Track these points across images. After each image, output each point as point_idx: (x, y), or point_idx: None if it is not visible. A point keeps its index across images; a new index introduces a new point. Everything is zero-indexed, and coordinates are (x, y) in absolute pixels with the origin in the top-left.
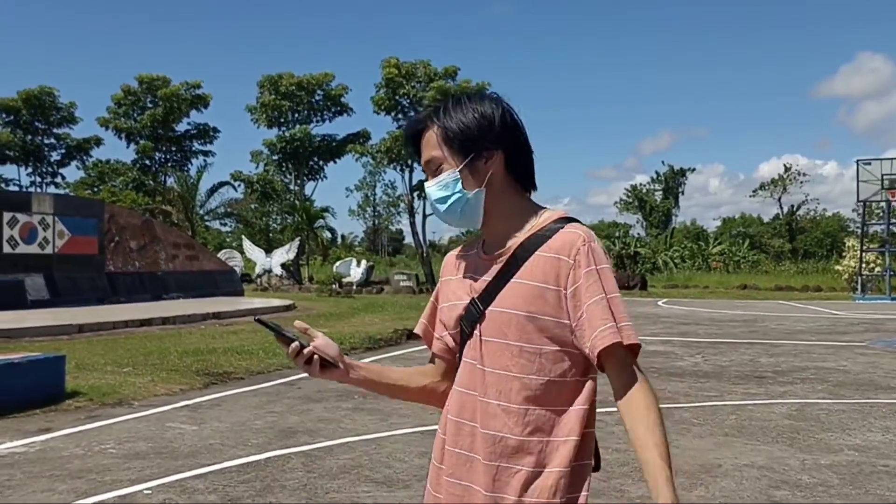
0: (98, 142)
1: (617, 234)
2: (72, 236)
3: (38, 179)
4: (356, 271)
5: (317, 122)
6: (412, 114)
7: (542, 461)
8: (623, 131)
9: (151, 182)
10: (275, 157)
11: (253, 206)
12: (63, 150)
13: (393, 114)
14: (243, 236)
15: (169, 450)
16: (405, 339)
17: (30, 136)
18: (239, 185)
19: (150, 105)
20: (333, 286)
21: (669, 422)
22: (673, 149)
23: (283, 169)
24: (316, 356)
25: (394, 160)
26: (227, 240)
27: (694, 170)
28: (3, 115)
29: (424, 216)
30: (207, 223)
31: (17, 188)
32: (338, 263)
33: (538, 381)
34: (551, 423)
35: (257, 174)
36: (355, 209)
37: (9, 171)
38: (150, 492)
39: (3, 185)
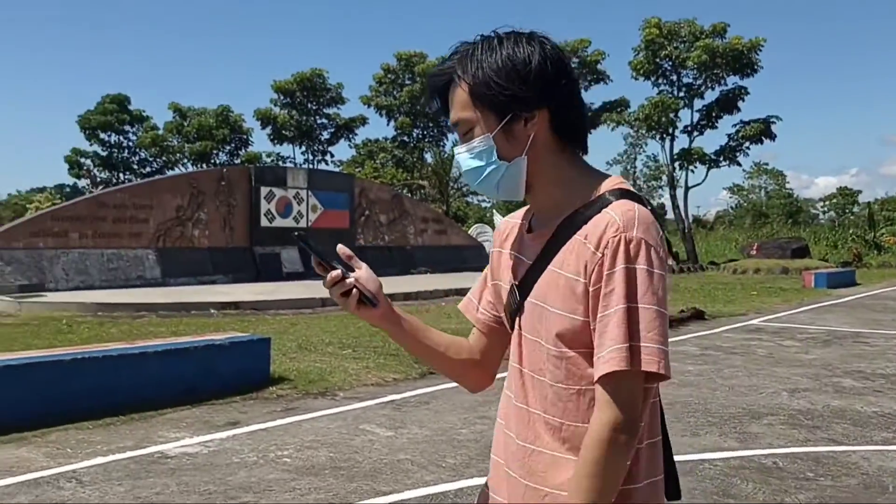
0: (363, 120)
1: None
2: (324, 210)
3: (311, 157)
4: None
5: None
6: (674, 77)
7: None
8: None
9: (410, 157)
10: None
11: None
12: (332, 129)
13: (653, 78)
14: (494, 210)
15: (349, 465)
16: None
17: (304, 117)
18: None
19: (408, 82)
20: None
21: None
22: None
23: None
24: (355, 289)
25: (654, 128)
26: (488, 215)
27: None
28: (282, 98)
29: (687, 188)
30: (467, 199)
31: (292, 166)
32: None
33: (569, 391)
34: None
35: None
36: None
37: (286, 150)
38: None
39: (280, 163)
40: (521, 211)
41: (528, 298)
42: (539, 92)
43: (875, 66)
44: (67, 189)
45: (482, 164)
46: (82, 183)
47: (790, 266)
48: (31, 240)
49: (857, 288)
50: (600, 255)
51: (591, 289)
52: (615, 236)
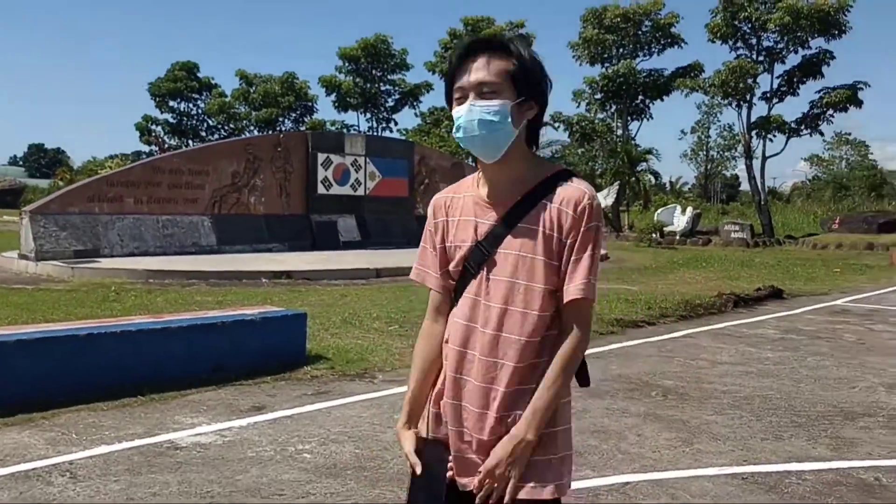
0: (428, 87)
1: None
2: (382, 178)
3: (375, 125)
4: (680, 220)
5: (643, 56)
6: (753, 41)
7: (534, 382)
8: None
9: None
10: (597, 97)
11: (580, 151)
12: (397, 97)
13: (731, 42)
14: None
15: (375, 465)
16: (731, 307)
17: (368, 84)
18: (559, 127)
19: None
20: (654, 235)
21: None
22: None
23: (606, 108)
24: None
25: (730, 95)
26: None
27: None
28: (346, 64)
29: (764, 159)
30: None
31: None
32: (659, 211)
33: (536, 315)
34: (539, 349)
35: (577, 115)
36: (687, 153)
37: (350, 118)
38: None
39: (344, 131)
40: (454, 187)
41: (500, 249)
42: (542, 91)
43: None
44: (144, 156)
45: (496, 120)
46: (155, 149)
47: (876, 241)
48: (87, 205)
49: None
50: (576, 214)
51: (567, 240)
52: (588, 202)
